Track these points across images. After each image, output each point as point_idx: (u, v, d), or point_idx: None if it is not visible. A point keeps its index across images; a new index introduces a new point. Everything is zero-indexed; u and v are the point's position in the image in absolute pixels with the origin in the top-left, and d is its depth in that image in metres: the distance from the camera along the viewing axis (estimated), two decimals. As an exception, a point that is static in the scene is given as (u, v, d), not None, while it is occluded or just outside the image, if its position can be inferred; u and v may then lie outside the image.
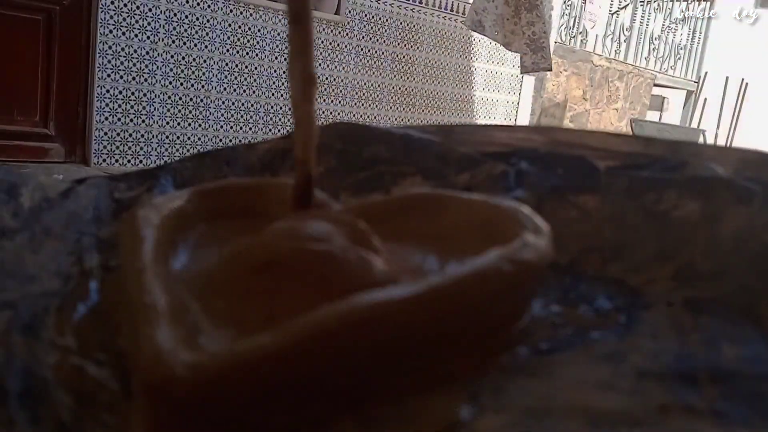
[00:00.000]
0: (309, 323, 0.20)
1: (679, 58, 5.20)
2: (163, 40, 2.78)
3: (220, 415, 0.20)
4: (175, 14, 2.80)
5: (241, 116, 3.08)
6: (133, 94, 2.74)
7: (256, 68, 3.08)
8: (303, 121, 0.27)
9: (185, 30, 2.84)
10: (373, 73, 3.55)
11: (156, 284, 0.24)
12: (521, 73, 3.46)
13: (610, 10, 4.44)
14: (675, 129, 4.47)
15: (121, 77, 2.69)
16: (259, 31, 3.06)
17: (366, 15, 3.46)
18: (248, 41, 3.04)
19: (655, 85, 4.83)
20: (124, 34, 2.67)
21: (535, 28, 3.21)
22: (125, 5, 2.66)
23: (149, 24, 2.73)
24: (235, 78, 3.02)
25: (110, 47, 2.64)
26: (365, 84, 3.53)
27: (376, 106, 3.61)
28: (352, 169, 0.38)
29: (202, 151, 0.42)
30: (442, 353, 0.23)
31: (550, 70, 3.37)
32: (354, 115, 3.50)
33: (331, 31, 3.33)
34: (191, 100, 2.91)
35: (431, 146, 0.38)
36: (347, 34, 3.39)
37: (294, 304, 0.23)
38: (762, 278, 0.26)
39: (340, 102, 3.44)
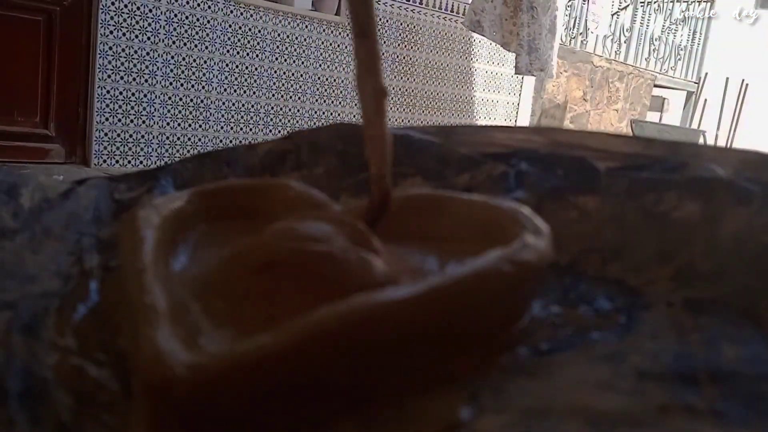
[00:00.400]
0: (309, 324, 0.20)
1: (679, 59, 5.20)
2: (163, 40, 2.78)
3: (220, 415, 0.20)
4: (175, 15, 2.80)
5: (242, 117, 3.08)
6: (133, 95, 2.74)
7: (256, 69, 3.09)
8: (377, 136, 0.27)
9: (185, 31, 2.84)
10: (374, 73, 3.55)
11: (156, 285, 0.24)
12: (515, 73, 3.46)
13: (612, 11, 4.44)
14: (675, 130, 4.47)
15: (122, 78, 2.70)
16: (259, 32, 3.07)
17: (366, 16, 3.45)
18: (248, 42, 3.04)
19: (656, 86, 4.83)
20: (124, 34, 2.67)
21: (530, 29, 3.22)
22: (126, 6, 2.66)
23: (150, 25, 2.73)
24: (236, 79, 3.03)
25: (111, 48, 2.65)
26: (365, 85, 3.53)
27: (377, 106, 3.61)
28: (353, 169, 0.38)
29: (202, 151, 0.42)
30: (442, 354, 0.23)
31: (542, 71, 3.37)
32: (354, 116, 3.50)
33: (332, 31, 3.33)
34: (191, 100, 2.92)
35: (431, 147, 0.38)
36: (347, 35, 3.39)
37: (294, 304, 0.23)
38: (761, 279, 0.26)
39: (340, 103, 3.44)
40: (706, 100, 5.12)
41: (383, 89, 0.26)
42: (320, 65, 3.32)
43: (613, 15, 4.44)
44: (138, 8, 2.69)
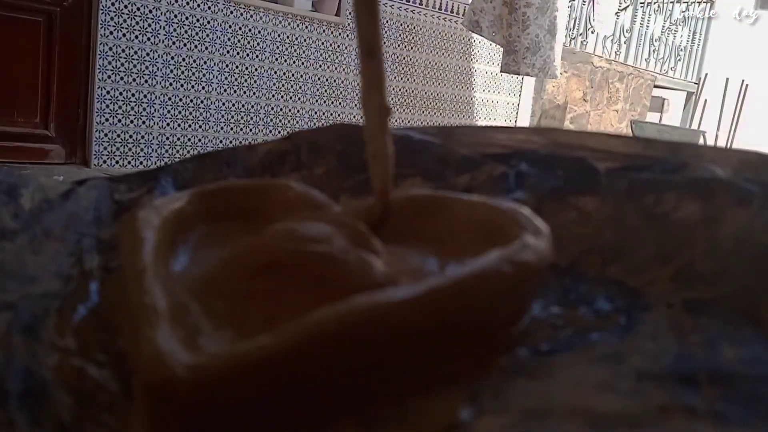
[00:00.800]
0: (309, 325, 0.20)
1: (679, 60, 5.20)
2: (163, 41, 2.78)
3: (220, 416, 0.20)
4: (175, 16, 2.80)
5: (242, 117, 3.08)
6: (133, 95, 2.74)
7: (256, 69, 3.09)
8: (380, 153, 0.28)
9: (185, 31, 2.84)
10: (374, 74, 3.55)
11: (156, 285, 0.24)
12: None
13: (615, 11, 4.45)
14: (675, 130, 4.47)
15: (122, 78, 2.70)
16: (259, 32, 3.07)
17: (366, 16, 3.45)
18: (248, 42, 3.04)
19: (656, 86, 4.83)
20: (124, 35, 2.67)
21: (511, 30, 3.23)
22: (126, 6, 2.66)
23: (150, 25, 2.73)
24: (236, 79, 3.03)
25: (111, 48, 2.65)
26: (365, 85, 3.53)
27: (377, 107, 3.61)
28: (353, 170, 0.38)
29: (202, 152, 0.42)
30: (442, 354, 0.23)
31: (519, 74, 3.38)
32: (354, 117, 3.50)
33: (332, 32, 3.33)
34: (191, 101, 2.92)
35: (431, 148, 0.38)
36: (347, 36, 3.39)
37: (294, 305, 0.23)
38: (761, 279, 0.26)
39: (340, 103, 3.45)
40: (706, 100, 5.12)
41: (387, 107, 0.27)
42: (320, 66, 3.32)
43: (616, 14, 4.45)
44: (138, 9, 2.69)
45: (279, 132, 3.17)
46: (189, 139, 2.94)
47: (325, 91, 3.37)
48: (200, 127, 2.96)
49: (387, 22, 3.55)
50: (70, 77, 2.60)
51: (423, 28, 3.72)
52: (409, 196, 0.32)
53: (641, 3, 4.69)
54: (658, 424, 0.20)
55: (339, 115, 3.44)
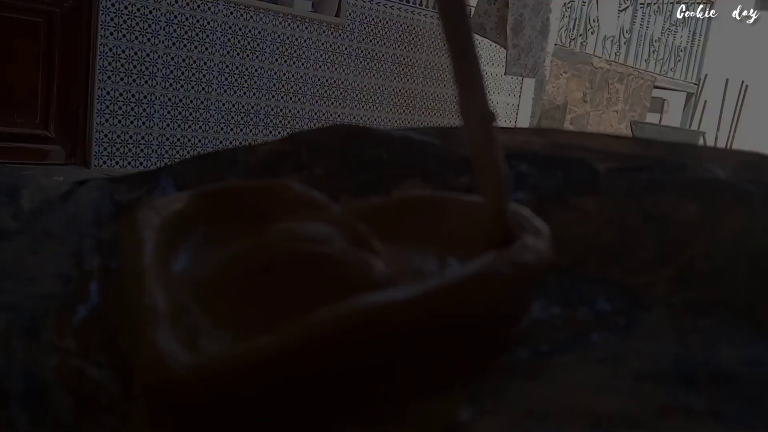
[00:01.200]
0: (308, 325, 0.20)
1: (679, 60, 5.20)
2: (163, 42, 2.78)
3: (220, 416, 0.20)
4: (175, 16, 2.80)
5: (242, 118, 3.09)
6: (133, 96, 2.74)
7: (256, 70, 3.09)
8: (489, 166, 0.24)
9: (186, 32, 2.84)
10: (373, 75, 3.56)
11: (156, 286, 0.24)
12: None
13: (618, 9, 4.45)
14: (675, 131, 4.47)
15: (122, 79, 2.70)
16: (259, 33, 3.07)
17: (366, 17, 3.46)
18: (249, 43, 3.04)
19: (655, 87, 4.83)
20: (124, 36, 2.67)
21: (509, 32, 3.25)
22: (126, 7, 2.66)
23: (150, 26, 2.74)
24: (236, 80, 3.03)
25: (111, 49, 2.65)
26: (365, 86, 3.53)
27: (377, 108, 3.62)
28: (353, 171, 0.38)
29: (202, 153, 0.42)
30: (442, 355, 0.23)
31: (514, 74, 3.40)
32: (354, 117, 3.50)
33: (332, 33, 3.33)
34: (192, 102, 2.92)
35: (431, 148, 0.39)
36: (347, 36, 3.39)
37: (293, 305, 0.23)
38: (761, 280, 0.26)
39: (340, 104, 3.45)
40: (705, 101, 5.12)
41: (491, 112, 0.24)
42: (320, 67, 3.32)
43: (617, 14, 4.45)
44: (138, 9, 2.69)
45: (279, 132, 3.17)
46: (189, 140, 2.94)
47: (325, 91, 3.37)
48: (200, 127, 2.97)
49: (387, 22, 3.55)
50: (71, 78, 2.60)
51: (423, 28, 3.72)
52: (409, 197, 0.32)
53: (641, 4, 4.70)
54: (658, 424, 0.20)
55: (339, 115, 3.44)
